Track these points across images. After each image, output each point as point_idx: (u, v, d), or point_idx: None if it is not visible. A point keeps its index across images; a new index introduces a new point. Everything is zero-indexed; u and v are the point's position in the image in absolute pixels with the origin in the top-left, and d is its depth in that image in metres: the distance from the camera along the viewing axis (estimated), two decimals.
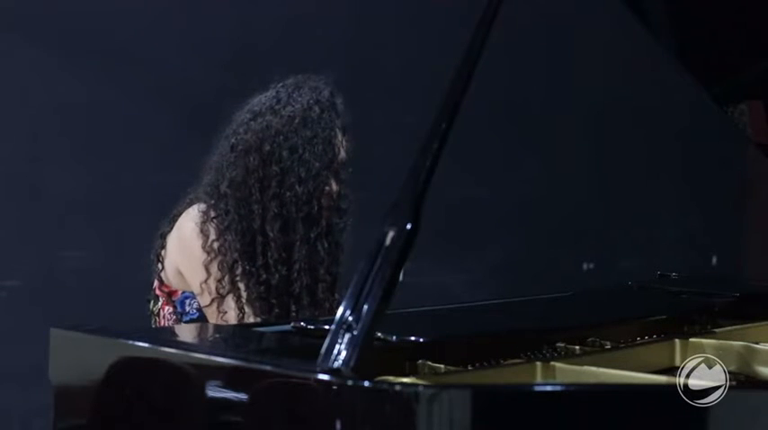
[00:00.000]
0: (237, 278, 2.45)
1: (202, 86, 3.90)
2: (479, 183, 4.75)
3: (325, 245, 2.50)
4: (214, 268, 2.45)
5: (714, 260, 5.61)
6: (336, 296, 2.57)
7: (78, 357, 1.88)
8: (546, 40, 4.99)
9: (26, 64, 3.81)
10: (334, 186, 2.52)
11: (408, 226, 1.62)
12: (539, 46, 4.97)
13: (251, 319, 2.45)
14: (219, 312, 2.44)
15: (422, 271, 4.10)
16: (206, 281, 2.45)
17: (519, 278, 4.55)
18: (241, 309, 2.45)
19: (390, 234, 1.62)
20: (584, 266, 5.27)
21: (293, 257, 2.46)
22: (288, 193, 2.46)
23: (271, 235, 2.45)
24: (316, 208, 2.47)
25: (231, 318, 2.45)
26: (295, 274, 2.46)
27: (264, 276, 2.45)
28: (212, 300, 2.45)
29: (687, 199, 5.53)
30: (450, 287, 4.59)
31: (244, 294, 2.45)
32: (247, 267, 2.45)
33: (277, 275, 2.45)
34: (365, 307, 1.56)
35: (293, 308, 2.48)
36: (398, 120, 4.06)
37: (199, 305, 2.47)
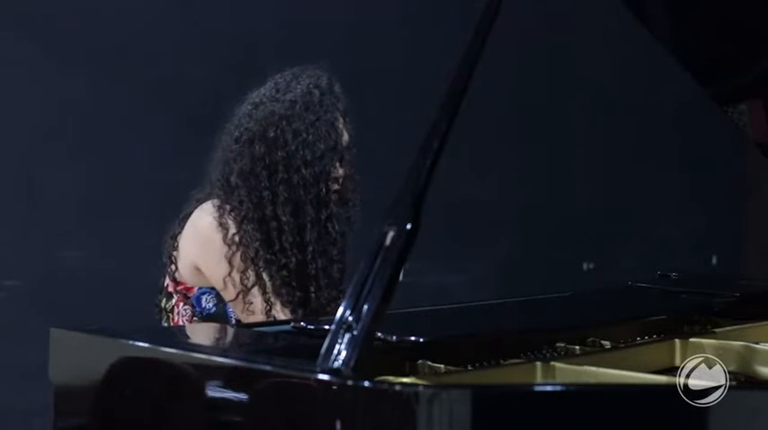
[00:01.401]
0: (261, 268, 2.46)
1: (202, 86, 3.90)
2: (479, 183, 4.75)
3: (336, 226, 2.52)
4: (237, 260, 2.46)
5: (714, 260, 5.61)
6: (342, 287, 2.58)
7: (78, 357, 1.88)
8: (546, 40, 4.99)
9: (26, 64, 3.81)
10: (340, 170, 2.54)
11: (408, 226, 1.62)
12: (539, 46, 4.97)
13: (278, 308, 2.47)
14: (245, 303, 2.46)
15: (422, 271, 4.10)
16: (230, 274, 2.46)
17: (519, 278, 4.54)
18: (267, 301, 2.46)
19: (390, 234, 1.62)
20: (584, 266, 5.27)
21: (306, 240, 2.48)
22: (295, 177, 2.48)
23: (284, 219, 2.48)
24: (324, 190, 2.50)
25: (258, 309, 2.46)
26: (309, 256, 2.49)
27: (284, 261, 2.47)
28: (238, 294, 2.46)
29: (687, 199, 5.53)
30: (450, 287, 4.59)
31: (269, 284, 2.47)
32: (268, 256, 2.47)
33: (294, 259, 2.48)
34: (365, 307, 1.56)
35: (312, 289, 2.50)
36: (398, 120, 4.05)
37: (216, 300, 2.48)
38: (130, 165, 3.91)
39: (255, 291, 2.46)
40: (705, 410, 1.51)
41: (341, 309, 1.58)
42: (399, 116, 4.09)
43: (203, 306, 2.49)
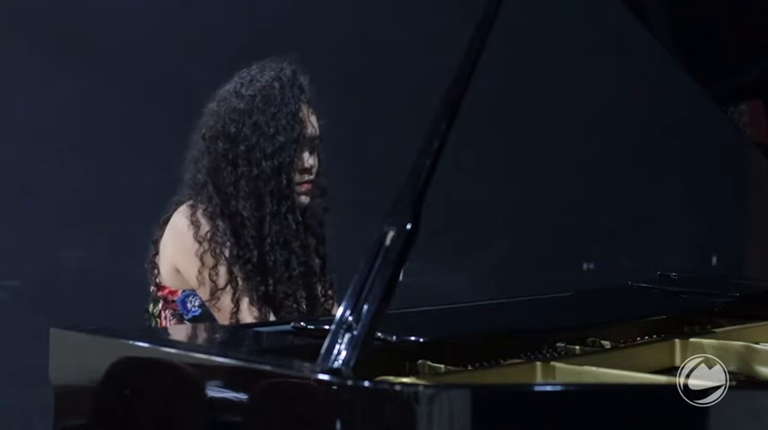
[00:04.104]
0: (232, 264, 2.47)
1: (202, 87, 3.90)
2: (479, 183, 4.75)
3: (298, 218, 2.53)
4: (207, 257, 2.46)
5: (714, 260, 5.61)
6: (328, 277, 2.62)
7: (78, 357, 1.88)
8: (546, 39, 4.99)
9: (27, 65, 3.81)
10: (309, 161, 2.54)
11: (408, 226, 1.62)
12: (539, 46, 4.97)
13: (244, 307, 2.46)
14: (214, 298, 2.46)
15: (422, 271, 4.10)
16: (201, 271, 2.46)
17: (519, 278, 4.55)
18: (235, 301, 2.45)
19: (390, 234, 1.62)
20: (584, 266, 5.27)
21: (264, 232, 2.49)
22: (255, 170, 2.49)
23: (245, 214, 2.49)
24: (284, 181, 2.50)
25: (225, 307, 2.46)
26: (267, 248, 2.49)
27: (248, 255, 2.48)
28: (210, 292, 2.46)
29: (687, 199, 5.53)
30: (450, 287, 4.59)
31: (239, 280, 2.47)
32: (236, 251, 2.48)
33: (256, 251, 2.48)
34: (365, 307, 1.56)
35: (270, 281, 2.50)
36: (398, 120, 4.05)
37: (200, 302, 2.48)
38: (131, 165, 3.91)
39: (227, 288, 2.47)
40: (705, 410, 1.51)
41: (341, 309, 1.58)
42: (399, 116, 4.09)
43: (188, 308, 2.49)
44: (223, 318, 2.46)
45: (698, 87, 2.59)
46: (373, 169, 3.89)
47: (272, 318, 2.49)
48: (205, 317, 2.48)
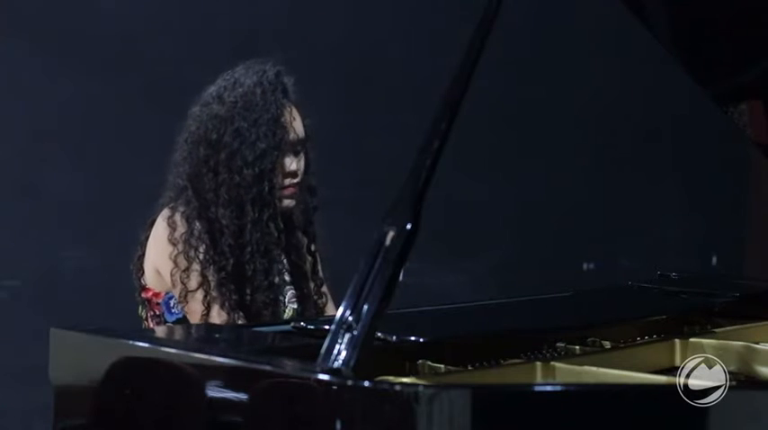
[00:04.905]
0: (204, 268, 2.45)
1: (201, 87, 3.90)
2: (479, 183, 4.75)
3: (280, 225, 2.51)
4: (180, 259, 2.46)
5: (714, 260, 5.60)
6: (320, 275, 2.62)
7: (78, 357, 1.88)
8: (546, 39, 4.99)
9: (27, 65, 3.81)
10: (293, 165, 2.53)
11: (408, 226, 1.62)
12: (539, 46, 4.97)
13: (215, 313, 2.45)
14: (185, 301, 2.45)
15: (422, 271, 4.10)
16: (173, 273, 2.45)
17: (519, 278, 4.54)
18: (207, 304, 2.44)
19: (390, 234, 1.62)
20: (584, 266, 5.27)
21: (245, 240, 2.47)
22: (236, 177, 2.47)
23: (224, 221, 2.47)
24: (266, 189, 2.48)
25: (196, 310, 2.45)
26: (247, 256, 2.47)
27: (222, 262, 2.46)
28: (180, 292, 2.45)
29: (687, 199, 5.53)
30: (450, 287, 4.59)
31: (211, 283, 2.45)
32: (209, 255, 2.47)
33: (232, 260, 2.46)
34: (365, 307, 1.56)
35: (247, 290, 2.48)
36: (398, 120, 4.05)
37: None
38: (131, 165, 3.91)
39: (197, 291, 2.45)
40: (705, 410, 1.51)
41: (341, 309, 1.58)
42: (399, 116, 4.09)
43: (172, 310, 2.48)
44: (193, 319, 2.46)
45: (698, 87, 2.59)
46: (373, 169, 3.89)
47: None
48: (187, 319, 2.47)
